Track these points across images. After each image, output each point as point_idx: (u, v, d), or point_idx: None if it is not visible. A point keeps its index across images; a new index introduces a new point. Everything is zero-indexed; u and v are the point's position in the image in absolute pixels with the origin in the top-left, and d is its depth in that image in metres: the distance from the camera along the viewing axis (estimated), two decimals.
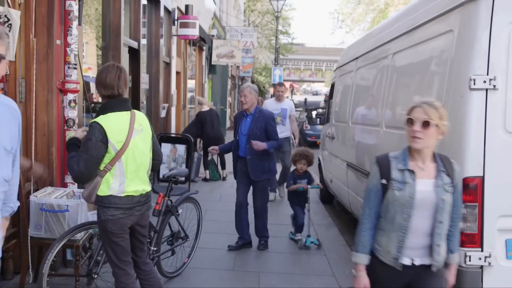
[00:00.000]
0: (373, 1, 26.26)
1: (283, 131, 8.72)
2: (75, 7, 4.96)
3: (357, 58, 6.88)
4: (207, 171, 10.89)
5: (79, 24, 5.13)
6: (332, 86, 9.02)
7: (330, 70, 71.29)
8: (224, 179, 11.03)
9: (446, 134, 3.53)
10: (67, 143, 3.65)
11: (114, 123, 3.39)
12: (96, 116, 3.45)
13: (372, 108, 5.72)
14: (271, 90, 53.60)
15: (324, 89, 73.93)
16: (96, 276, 4.09)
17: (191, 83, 14.58)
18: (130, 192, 3.47)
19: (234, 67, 26.86)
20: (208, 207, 7.91)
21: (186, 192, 5.51)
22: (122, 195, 3.43)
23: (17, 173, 2.61)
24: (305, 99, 59.54)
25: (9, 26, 4.41)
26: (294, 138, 9.58)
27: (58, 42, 4.85)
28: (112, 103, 3.47)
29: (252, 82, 40.43)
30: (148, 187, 3.65)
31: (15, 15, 4.43)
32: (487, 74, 3.29)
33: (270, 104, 9.22)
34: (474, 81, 3.30)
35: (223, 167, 11.10)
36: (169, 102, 10.66)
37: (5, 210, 2.56)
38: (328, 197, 9.24)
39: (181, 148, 9.11)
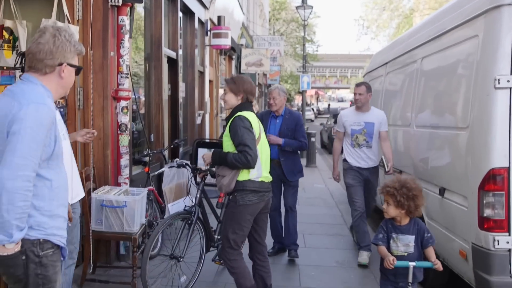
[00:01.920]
0: (398, 7, 26.46)
1: (370, 157, 5.92)
2: (126, 22, 5.42)
3: (386, 63, 7.20)
4: None
5: (130, 37, 5.59)
6: None
7: (355, 76, 71.33)
8: None
9: (474, 128, 3.86)
10: (216, 155, 4.11)
11: (251, 117, 4.07)
12: (232, 114, 4.11)
13: (402, 110, 6.03)
14: (298, 98, 53.81)
15: (350, 95, 74.02)
16: (182, 259, 4.62)
17: (221, 92, 15.04)
18: (263, 177, 4.11)
19: (261, 75, 27.30)
20: None
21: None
22: (259, 179, 4.06)
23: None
24: (329, 104, 59.73)
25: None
26: (388, 162, 5.89)
27: (111, 53, 5.30)
28: (246, 104, 4.19)
29: None
30: (271, 176, 4.27)
31: (74, 30, 4.91)
32: (511, 74, 3.61)
33: (348, 116, 6.08)
34: (499, 80, 3.62)
35: None
36: (203, 109, 11.10)
37: None
38: None
39: None
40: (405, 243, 3.51)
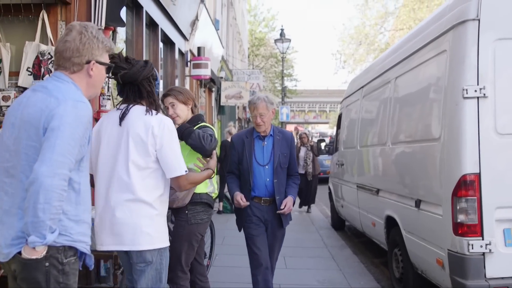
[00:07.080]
0: (374, 41, 27.10)
1: None
2: None
3: (362, 87, 7.42)
4: (221, 203, 11.25)
5: None
6: (339, 117, 9.54)
7: (334, 111, 72.11)
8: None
9: (446, 138, 4.02)
10: (187, 132, 3.54)
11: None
12: (191, 125, 3.69)
13: (379, 129, 6.20)
14: None
15: (329, 131, 74.50)
16: None
17: None
18: (214, 193, 3.90)
19: (241, 109, 27.54)
20: (226, 235, 8.31)
21: None
22: (213, 195, 3.85)
23: None
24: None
25: (52, 62, 4.98)
26: None
27: None
28: (201, 116, 3.93)
29: None
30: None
31: None
32: (477, 84, 3.81)
33: None
34: (467, 90, 3.81)
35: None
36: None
37: None
38: (339, 224, 9.64)
39: None
40: None
